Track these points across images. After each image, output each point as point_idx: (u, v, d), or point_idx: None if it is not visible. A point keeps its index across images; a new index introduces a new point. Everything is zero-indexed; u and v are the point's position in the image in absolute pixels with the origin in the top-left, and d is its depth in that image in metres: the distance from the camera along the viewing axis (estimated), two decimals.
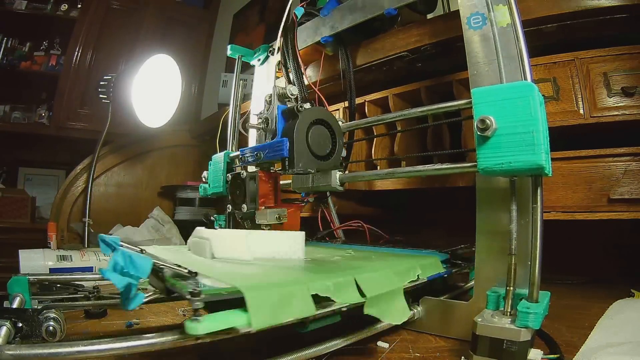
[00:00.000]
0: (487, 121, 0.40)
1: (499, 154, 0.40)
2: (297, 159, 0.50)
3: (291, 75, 0.72)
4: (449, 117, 0.72)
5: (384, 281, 0.43)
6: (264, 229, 0.56)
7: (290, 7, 0.71)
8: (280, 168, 0.54)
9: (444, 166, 0.49)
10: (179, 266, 0.37)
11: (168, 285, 0.35)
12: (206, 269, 0.39)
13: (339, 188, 0.58)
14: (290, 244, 0.53)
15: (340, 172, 0.57)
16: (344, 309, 0.38)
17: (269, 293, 0.33)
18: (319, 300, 0.36)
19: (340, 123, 0.59)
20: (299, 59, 0.76)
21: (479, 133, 0.41)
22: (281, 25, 0.69)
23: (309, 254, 0.56)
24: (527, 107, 0.39)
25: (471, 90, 0.44)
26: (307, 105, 0.55)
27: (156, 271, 0.37)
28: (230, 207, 0.58)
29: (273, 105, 0.54)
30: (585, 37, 0.71)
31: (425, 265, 0.51)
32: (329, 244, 0.83)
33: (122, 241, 0.44)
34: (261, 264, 0.49)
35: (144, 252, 0.47)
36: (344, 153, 0.61)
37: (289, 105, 0.53)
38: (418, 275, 0.49)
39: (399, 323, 0.43)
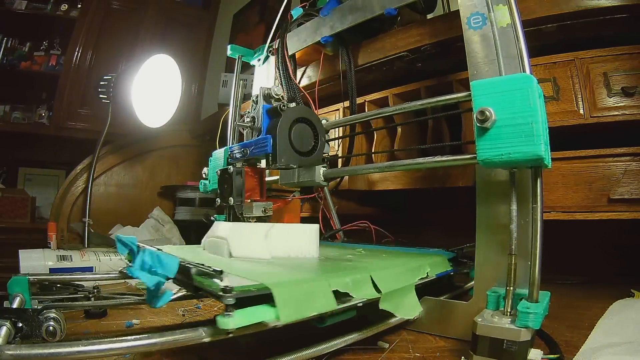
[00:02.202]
0: (487, 113, 0.40)
1: (499, 145, 0.40)
2: (280, 154, 0.53)
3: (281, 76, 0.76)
4: (448, 110, 0.72)
5: (397, 278, 0.46)
6: (250, 221, 0.59)
7: (282, 11, 0.73)
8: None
9: (444, 158, 0.49)
10: (203, 265, 0.39)
11: (196, 283, 0.36)
12: (228, 267, 0.40)
13: (323, 183, 0.61)
14: (305, 243, 0.56)
15: (324, 168, 0.60)
16: (360, 304, 0.40)
17: (295, 289, 0.35)
18: (338, 296, 0.38)
19: (324, 121, 0.62)
20: (287, 61, 0.79)
21: (478, 125, 0.41)
22: (272, 28, 0.72)
23: (322, 253, 0.58)
24: (526, 98, 0.39)
25: (470, 83, 0.44)
26: (292, 105, 0.58)
27: (183, 270, 0.38)
28: (219, 200, 0.62)
29: (259, 104, 0.57)
30: (585, 37, 0.71)
31: (434, 263, 0.54)
32: (337, 243, 0.85)
33: (138, 242, 0.46)
34: (279, 262, 0.51)
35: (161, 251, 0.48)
36: (327, 149, 0.63)
37: (273, 105, 0.56)
38: (427, 273, 0.51)
39: (411, 317, 0.46)
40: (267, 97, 0.57)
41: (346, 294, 0.39)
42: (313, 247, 0.57)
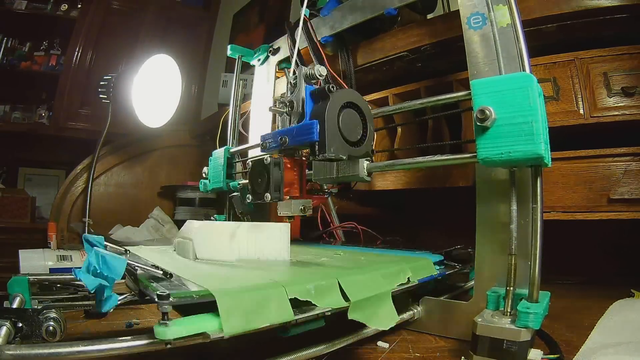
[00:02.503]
0: (487, 111, 0.40)
1: (499, 144, 0.40)
2: (330, 142, 0.45)
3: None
4: (447, 110, 0.72)
5: (370, 284, 0.41)
6: (286, 221, 0.54)
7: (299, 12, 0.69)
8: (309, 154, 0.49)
9: (444, 157, 0.49)
10: (157, 267, 0.36)
11: (141, 287, 0.34)
12: (185, 270, 0.38)
13: (367, 179, 0.55)
14: (275, 244, 0.52)
15: (368, 162, 0.54)
16: (328, 314, 0.36)
17: (243, 297, 0.31)
18: (299, 304, 0.34)
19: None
20: (319, 46, 0.71)
21: (478, 123, 0.41)
22: (299, 25, 0.66)
23: (296, 255, 0.55)
24: (526, 97, 0.39)
25: (470, 82, 0.44)
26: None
27: (130, 272, 0.35)
28: (251, 197, 0.53)
29: (299, 86, 0.49)
30: (585, 37, 0.71)
31: (417, 267, 0.50)
32: (319, 244, 0.81)
33: (106, 241, 0.43)
34: (244, 265, 0.47)
35: (128, 252, 0.47)
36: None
37: (317, 86, 0.49)
38: (408, 278, 0.47)
39: (386, 329, 0.41)
40: (309, 77, 0.49)
41: (308, 302, 0.35)
42: (284, 249, 0.53)
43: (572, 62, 0.69)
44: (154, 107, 1.51)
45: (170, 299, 0.29)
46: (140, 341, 0.30)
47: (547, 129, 0.40)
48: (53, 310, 0.39)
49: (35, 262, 0.81)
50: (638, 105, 0.65)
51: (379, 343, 0.46)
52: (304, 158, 0.53)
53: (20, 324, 0.36)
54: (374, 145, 0.56)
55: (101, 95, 1.49)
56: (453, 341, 0.48)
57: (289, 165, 0.51)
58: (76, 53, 2.18)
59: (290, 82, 0.51)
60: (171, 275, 0.35)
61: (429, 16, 0.94)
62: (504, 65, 0.46)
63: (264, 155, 0.51)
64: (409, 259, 0.54)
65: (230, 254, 0.50)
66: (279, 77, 0.93)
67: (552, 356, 0.39)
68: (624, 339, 0.41)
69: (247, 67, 0.99)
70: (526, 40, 0.45)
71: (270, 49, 0.93)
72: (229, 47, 0.93)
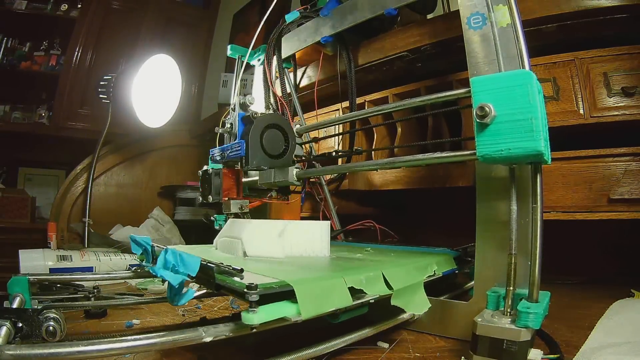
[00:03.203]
0: (486, 108, 0.40)
1: (498, 140, 0.40)
2: (252, 157, 0.59)
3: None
4: (448, 112, 0.72)
5: (407, 275, 0.47)
6: (230, 217, 0.66)
7: (263, 22, 0.78)
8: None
9: (444, 154, 0.49)
10: (222, 264, 0.40)
11: (218, 282, 0.37)
12: (245, 267, 0.40)
13: (296, 183, 0.66)
14: (317, 241, 0.58)
15: (298, 169, 0.66)
16: (372, 301, 0.41)
17: (314, 286, 0.36)
18: (352, 292, 0.39)
19: (297, 126, 0.70)
20: (267, 70, 0.86)
21: (478, 120, 0.41)
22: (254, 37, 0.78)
23: (333, 252, 0.60)
24: (525, 94, 0.39)
25: (470, 79, 0.44)
26: (269, 111, 0.64)
27: (205, 268, 0.39)
28: (200, 198, 0.69)
29: (235, 112, 0.63)
30: (585, 37, 0.71)
31: (440, 262, 0.55)
32: (343, 242, 0.86)
33: (153, 242, 0.49)
34: (293, 261, 0.52)
35: None
36: (299, 151, 0.70)
37: (247, 113, 0.63)
38: (435, 271, 0.53)
39: (421, 313, 0.48)
40: (243, 105, 0.62)
41: (360, 291, 0.40)
42: (325, 246, 0.58)
43: (572, 62, 0.69)
44: (154, 107, 1.51)
45: (258, 290, 0.32)
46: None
47: (547, 126, 0.40)
48: (53, 310, 0.39)
49: (35, 262, 0.81)
50: (638, 105, 0.65)
51: (379, 343, 0.46)
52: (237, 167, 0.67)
53: (20, 324, 0.36)
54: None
55: (101, 95, 1.49)
56: (453, 341, 0.48)
57: (227, 174, 0.66)
58: (76, 53, 2.18)
59: (231, 108, 0.64)
60: (242, 270, 0.38)
61: (429, 16, 0.94)
62: (504, 65, 0.46)
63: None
64: (432, 254, 0.60)
65: (279, 251, 0.54)
66: (277, 78, 0.93)
67: (552, 356, 0.39)
68: (624, 339, 0.41)
69: (247, 67, 0.99)
70: (526, 40, 0.45)
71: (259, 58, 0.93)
72: (229, 47, 0.93)
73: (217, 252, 0.60)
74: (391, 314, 0.48)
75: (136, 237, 0.52)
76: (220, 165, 0.68)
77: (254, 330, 0.33)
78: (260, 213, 0.87)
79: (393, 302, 0.43)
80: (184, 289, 0.38)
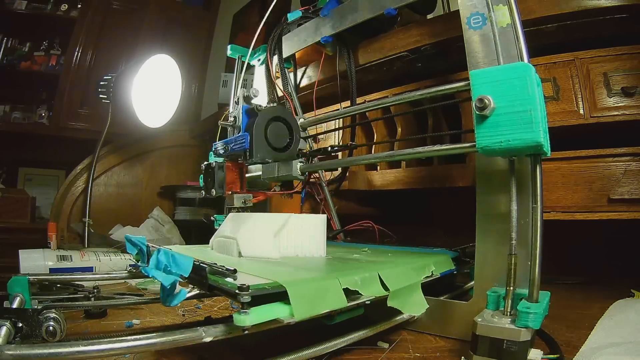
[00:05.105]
0: (486, 100, 0.41)
1: (498, 132, 0.41)
2: (256, 150, 0.57)
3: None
4: (447, 109, 0.72)
5: (404, 276, 0.47)
6: (238, 211, 0.64)
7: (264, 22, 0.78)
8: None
9: (444, 147, 0.49)
10: (216, 264, 0.39)
11: (211, 282, 0.37)
12: (239, 267, 0.40)
13: (300, 177, 0.66)
14: (312, 241, 0.57)
15: (301, 163, 0.65)
16: (368, 302, 0.41)
17: (308, 287, 0.36)
18: (347, 293, 0.39)
19: (301, 120, 0.68)
20: (270, 66, 0.86)
21: (477, 112, 0.41)
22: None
23: (329, 252, 0.59)
24: (524, 86, 0.39)
25: (469, 72, 0.45)
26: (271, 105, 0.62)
27: (197, 269, 0.39)
28: (203, 192, 0.67)
29: (239, 105, 0.62)
30: (585, 37, 0.70)
31: (438, 262, 0.55)
32: (341, 242, 0.86)
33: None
34: (289, 262, 0.51)
35: None
36: (303, 145, 0.68)
37: (251, 105, 0.61)
38: (432, 272, 0.52)
39: (418, 314, 0.47)
40: (247, 98, 0.61)
41: (355, 292, 0.40)
42: (321, 246, 0.58)
43: (572, 62, 0.69)
44: (154, 107, 1.51)
45: (250, 291, 0.32)
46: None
47: (546, 118, 0.40)
48: (53, 310, 0.39)
49: (35, 262, 0.81)
50: (638, 105, 0.65)
51: (379, 343, 0.46)
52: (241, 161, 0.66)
53: (20, 324, 0.36)
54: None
55: (101, 95, 1.49)
56: (453, 341, 0.48)
57: (231, 168, 0.65)
58: (76, 53, 2.18)
59: (235, 101, 0.63)
60: (235, 271, 0.37)
61: (429, 16, 0.94)
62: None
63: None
64: (430, 254, 0.59)
65: (274, 251, 0.54)
66: (278, 78, 0.93)
67: (552, 356, 0.39)
68: (624, 339, 0.41)
69: (247, 67, 0.99)
70: (526, 40, 0.45)
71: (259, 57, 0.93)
72: (229, 47, 0.93)
73: (213, 252, 0.60)
74: (391, 314, 0.48)
75: (131, 237, 0.51)
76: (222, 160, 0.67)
77: (246, 332, 0.32)
78: (260, 212, 0.87)
79: (389, 303, 0.43)
80: (177, 289, 0.38)
